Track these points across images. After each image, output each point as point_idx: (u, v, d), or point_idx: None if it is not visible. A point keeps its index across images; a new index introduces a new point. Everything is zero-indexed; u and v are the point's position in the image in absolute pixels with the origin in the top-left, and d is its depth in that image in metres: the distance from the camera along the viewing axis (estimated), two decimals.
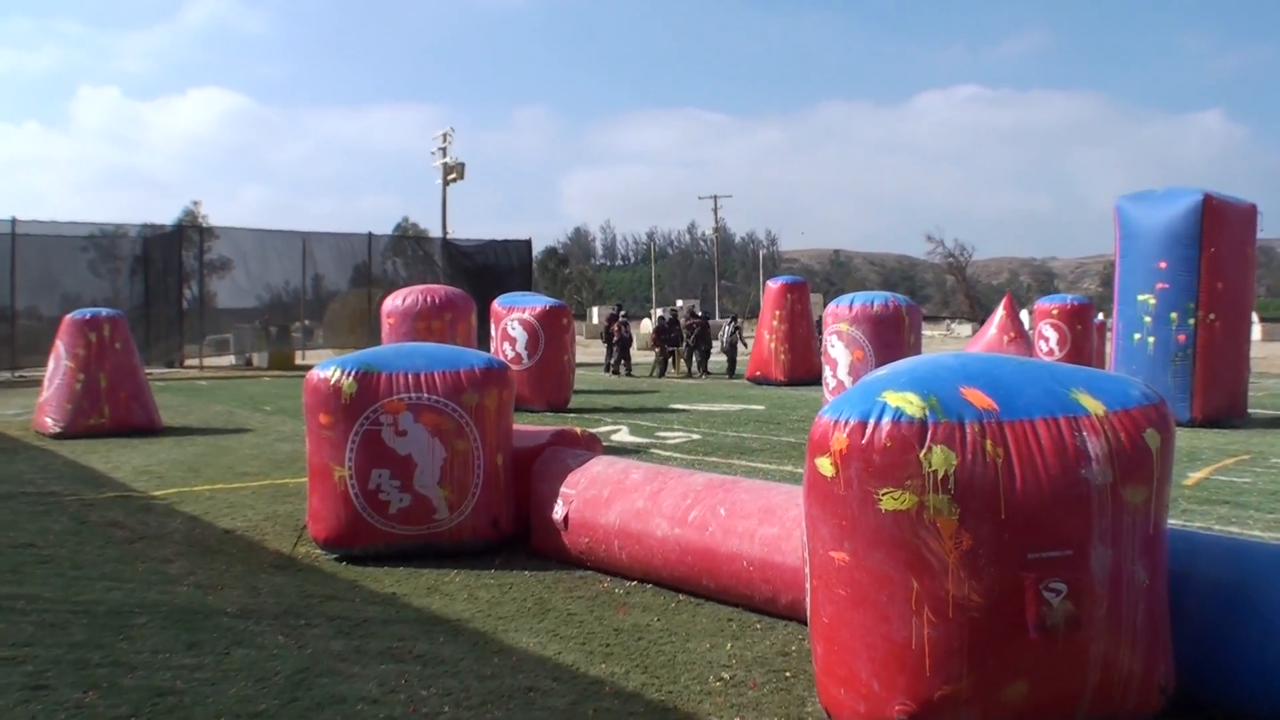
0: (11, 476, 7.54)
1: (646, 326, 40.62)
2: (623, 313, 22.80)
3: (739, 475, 6.76)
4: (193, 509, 6.40)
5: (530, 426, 6.15)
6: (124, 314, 11.09)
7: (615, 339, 21.76)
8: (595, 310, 52.80)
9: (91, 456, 8.73)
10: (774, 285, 18.79)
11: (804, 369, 18.04)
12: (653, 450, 9.25)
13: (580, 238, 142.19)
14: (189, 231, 26.59)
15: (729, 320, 23.27)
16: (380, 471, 5.10)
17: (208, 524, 5.96)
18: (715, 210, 65.17)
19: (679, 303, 49.70)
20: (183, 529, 5.81)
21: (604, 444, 6.58)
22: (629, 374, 21.59)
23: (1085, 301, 18.08)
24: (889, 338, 12.30)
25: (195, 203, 57.20)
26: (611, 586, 4.65)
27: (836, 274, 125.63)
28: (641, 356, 27.87)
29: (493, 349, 13.77)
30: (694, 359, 21.62)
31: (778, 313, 18.23)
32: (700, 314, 22.85)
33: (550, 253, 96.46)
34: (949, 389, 3.06)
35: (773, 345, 18.20)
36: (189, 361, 24.17)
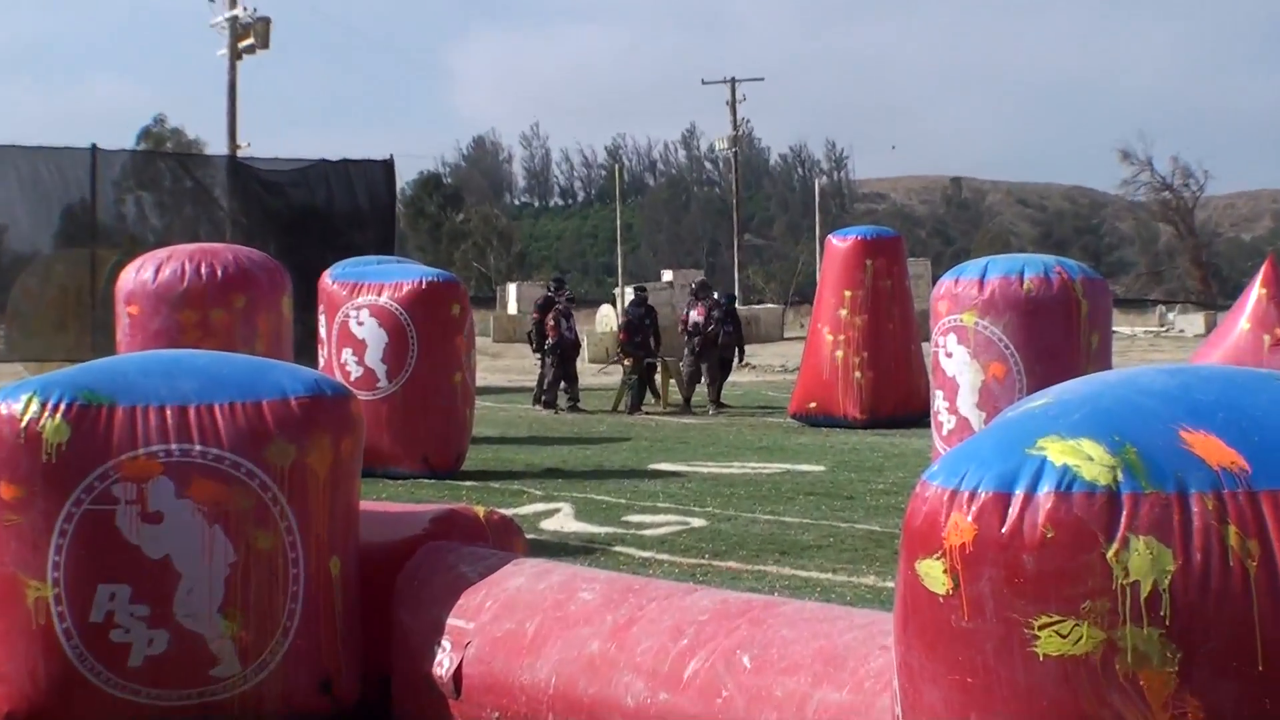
0: None
1: (607, 319, 40.64)
2: (567, 294, 22.78)
3: (776, 594, 6.72)
4: None
5: (393, 505, 6.15)
6: None
7: (551, 343, 21.72)
8: (513, 290, 52.46)
9: None
10: (841, 243, 18.83)
11: (896, 397, 18.09)
12: (618, 549, 9.35)
13: (485, 156, 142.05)
14: None
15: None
16: (113, 589, 5.06)
17: None
18: (733, 107, 64.49)
19: (666, 275, 49.61)
20: None
21: (529, 537, 6.58)
22: (574, 406, 21.66)
23: None
24: (1052, 339, 12.26)
25: None
26: None
27: (957, 222, 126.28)
28: (596, 378, 27.72)
29: (323, 361, 13.97)
30: (702, 377, 21.74)
31: (848, 294, 18.27)
32: (721, 298, 22.85)
33: (429, 184, 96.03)
34: (1160, 433, 3.10)
35: (840, 354, 18.25)
36: None
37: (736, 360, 23.31)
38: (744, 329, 23.98)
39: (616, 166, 66.15)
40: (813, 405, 18.46)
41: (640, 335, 21.95)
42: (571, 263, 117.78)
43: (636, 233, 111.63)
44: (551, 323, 21.70)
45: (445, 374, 13.64)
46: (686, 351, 22.02)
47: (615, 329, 31.99)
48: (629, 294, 34.78)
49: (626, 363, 21.88)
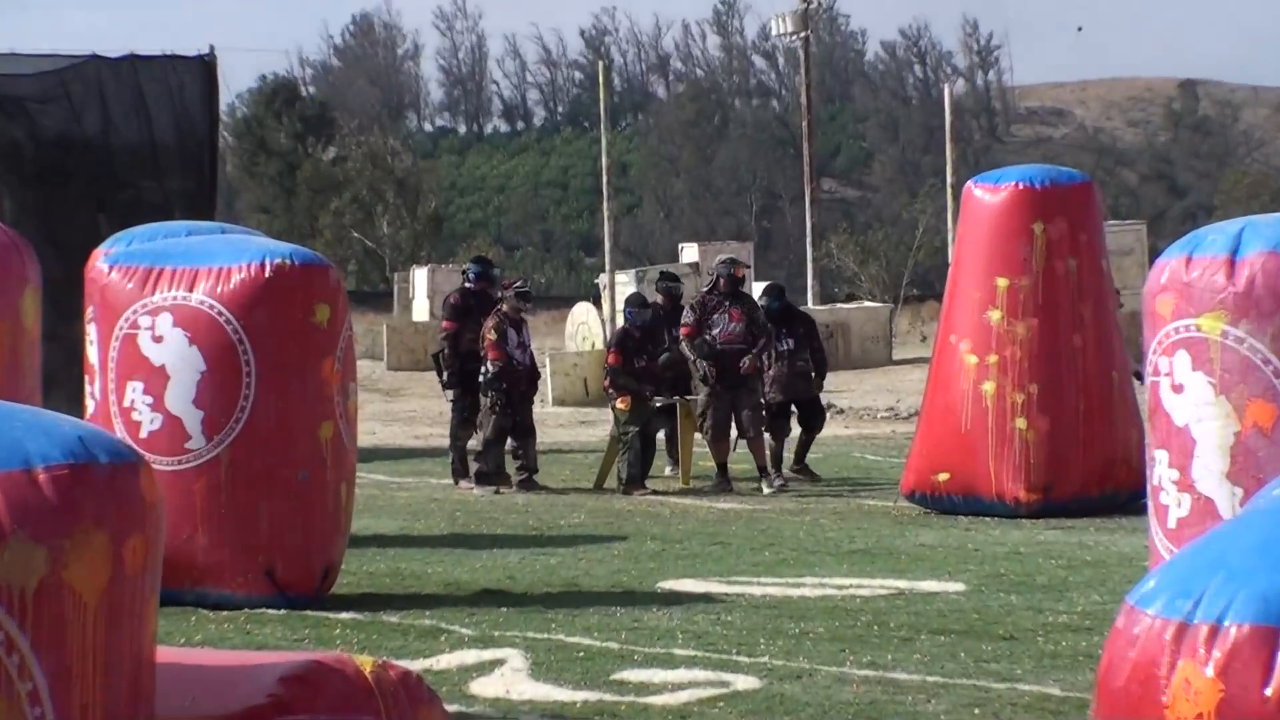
0: None
1: (587, 328, 40.85)
2: (518, 287, 22.95)
3: None
4: None
5: (218, 654, 6.03)
6: None
7: (491, 372, 21.55)
8: (422, 279, 53.54)
9: None
10: (990, 195, 18.89)
11: (1087, 464, 18.07)
12: None
13: (374, 50, 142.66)
14: None
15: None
16: None
17: None
18: None
19: (688, 252, 49.84)
20: None
21: (452, 709, 6.64)
22: (529, 480, 21.54)
23: None
24: None
25: None
26: None
27: (1189, 157, 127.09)
28: (567, 430, 27.97)
29: (94, 403, 13.85)
30: (735, 426, 21.53)
31: (1003, 284, 18.20)
32: (762, 298, 22.98)
33: (278, 97, 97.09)
34: None
35: (989, 388, 18.29)
36: None
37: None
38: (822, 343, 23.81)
39: (601, 65, 64.22)
40: (944, 478, 18.05)
41: (645, 356, 21.80)
42: (525, 232, 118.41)
43: (637, 179, 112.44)
44: (492, 336, 21.15)
45: (304, 426, 13.33)
46: (702, 385, 21.53)
47: (601, 345, 32.29)
48: (624, 285, 34.96)
49: (620, 405, 21.77)
